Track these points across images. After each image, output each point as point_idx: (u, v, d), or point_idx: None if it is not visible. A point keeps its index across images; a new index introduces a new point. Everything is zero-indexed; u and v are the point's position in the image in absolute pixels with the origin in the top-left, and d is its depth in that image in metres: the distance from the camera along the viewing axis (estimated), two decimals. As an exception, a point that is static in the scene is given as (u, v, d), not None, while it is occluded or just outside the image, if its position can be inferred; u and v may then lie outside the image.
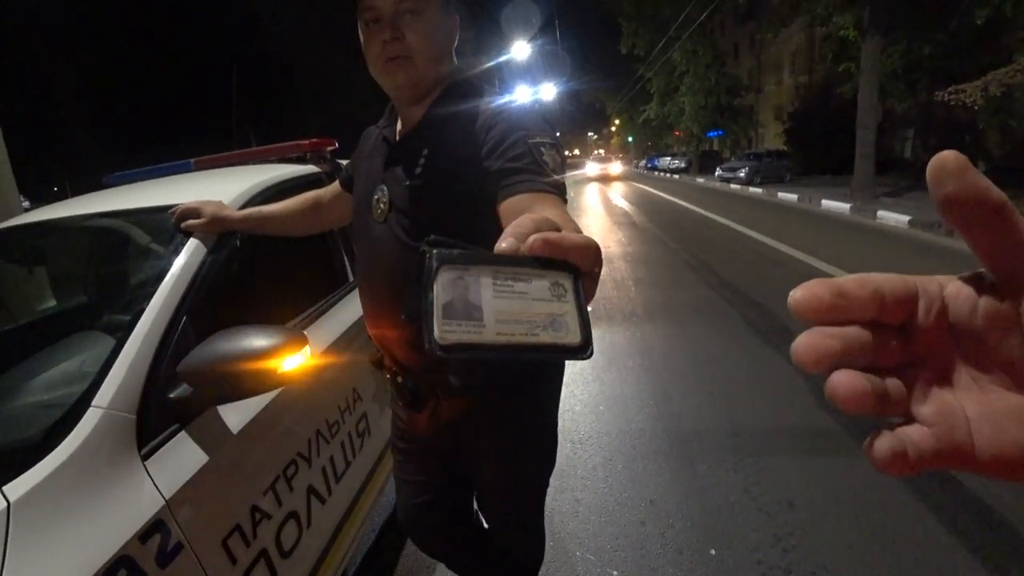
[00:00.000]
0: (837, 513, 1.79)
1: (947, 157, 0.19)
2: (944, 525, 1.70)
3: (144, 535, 0.73)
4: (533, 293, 0.24)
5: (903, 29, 9.41)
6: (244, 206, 1.25)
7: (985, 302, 0.21)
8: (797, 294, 0.22)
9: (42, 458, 0.71)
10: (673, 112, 24.53)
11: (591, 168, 29.02)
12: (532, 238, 0.26)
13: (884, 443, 0.22)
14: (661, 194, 15.62)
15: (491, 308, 0.23)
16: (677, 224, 9.07)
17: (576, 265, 0.25)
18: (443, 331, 0.22)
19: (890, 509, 1.79)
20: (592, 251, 0.30)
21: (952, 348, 0.23)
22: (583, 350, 0.24)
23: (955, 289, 0.22)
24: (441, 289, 0.23)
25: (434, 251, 0.24)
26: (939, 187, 0.20)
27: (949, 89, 7.07)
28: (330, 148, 1.89)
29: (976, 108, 7.22)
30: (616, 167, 29.05)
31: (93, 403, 0.77)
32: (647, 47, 23.98)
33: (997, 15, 7.57)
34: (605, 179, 25.62)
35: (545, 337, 0.23)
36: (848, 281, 0.23)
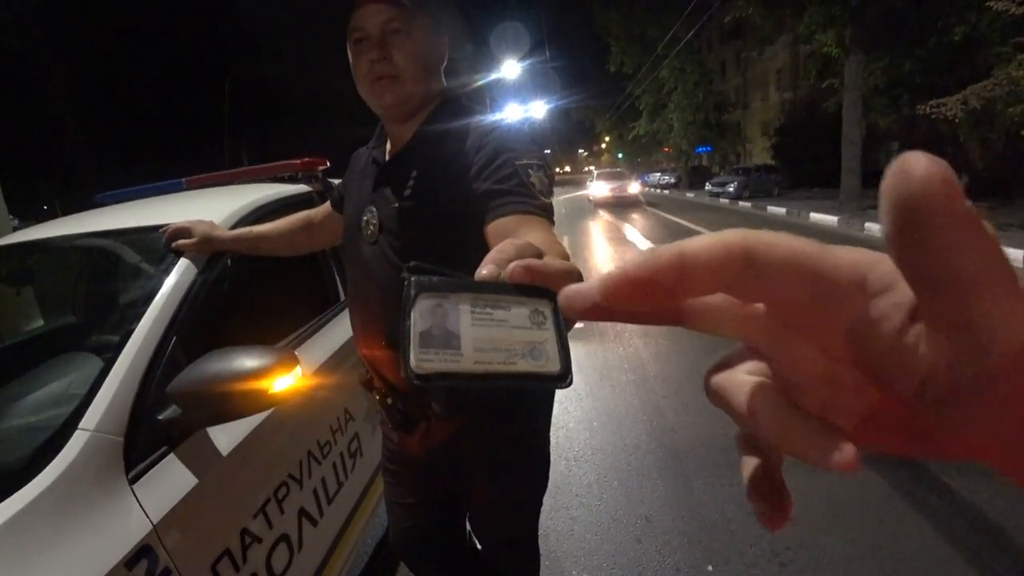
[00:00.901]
0: (834, 527, 1.78)
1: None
2: (941, 535, 1.70)
3: (131, 561, 0.72)
4: (512, 321, 0.24)
5: (884, 46, 9.66)
6: (235, 226, 1.25)
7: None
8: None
9: (27, 482, 0.69)
10: (662, 128, 24.90)
11: (597, 189, 18.12)
12: (512, 265, 0.26)
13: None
14: (660, 212, 15.66)
15: (469, 336, 0.23)
16: (670, 239, 9.14)
17: (555, 293, 0.26)
18: (420, 360, 0.22)
19: (886, 522, 1.79)
20: (574, 277, 0.30)
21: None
22: (562, 379, 0.24)
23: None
24: (419, 317, 0.23)
25: (412, 278, 0.24)
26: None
27: (930, 103, 7.24)
28: (321, 167, 1.90)
29: (956, 121, 7.38)
30: (635, 187, 18.75)
31: (80, 425, 0.76)
32: (635, 65, 24.41)
33: (974, 32, 7.79)
34: (617, 206, 17.11)
35: (524, 365, 0.23)
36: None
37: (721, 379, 0.20)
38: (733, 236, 0.17)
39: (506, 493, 1.07)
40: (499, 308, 0.24)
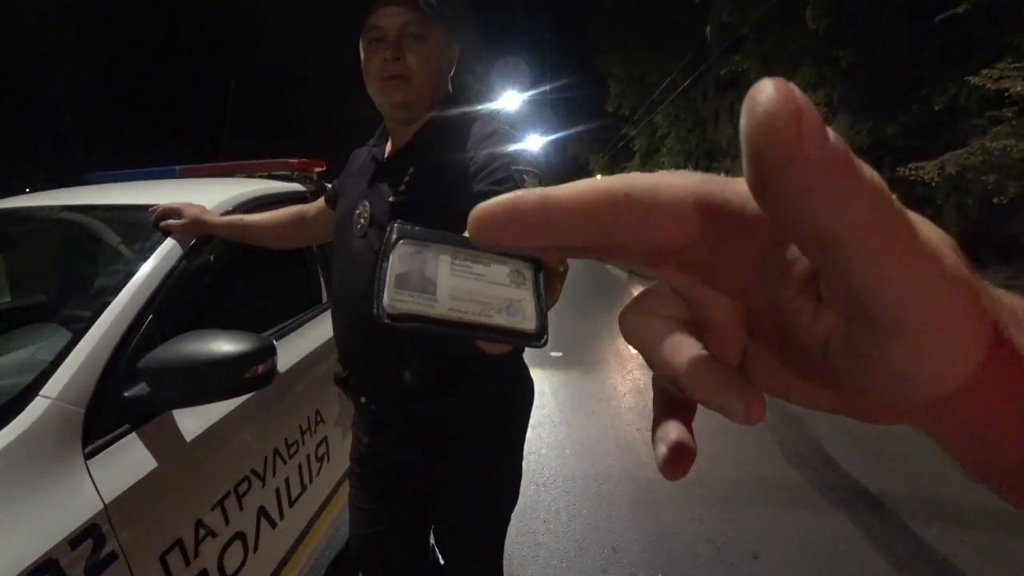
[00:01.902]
0: (801, 566, 1.77)
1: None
2: (904, 584, 1.69)
3: (75, 540, 0.68)
4: (491, 277, 0.24)
5: (870, 108, 10.10)
6: (226, 214, 1.24)
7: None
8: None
9: (-23, 447, 0.66)
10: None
11: None
12: None
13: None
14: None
15: (446, 284, 0.23)
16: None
17: (539, 259, 0.25)
18: (393, 299, 0.22)
19: (853, 563, 1.78)
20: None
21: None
22: (537, 337, 0.24)
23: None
24: (397, 260, 0.23)
25: (396, 224, 0.24)
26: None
27: (909, 165, 7.54)
28: (318, 169, 1.90)
29: (934, 185, 7.68)
30: None
31: (41, 392, 0.73)
32: (632, 107, 25.09)
33: (954, 103, 8.19)
34: None
35: (499, 320, 0.23)
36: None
37: (636, 321, 0.19)
38: (610, 181, 0.16)
39: (477, 504, 1.05)
40: (479, 263, 0.24)
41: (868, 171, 0.11)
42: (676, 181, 0.16)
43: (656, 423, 0.20)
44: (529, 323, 0.24)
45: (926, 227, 0.13)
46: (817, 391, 0.17)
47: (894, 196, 0.12)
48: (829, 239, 0.11)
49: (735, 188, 0.15)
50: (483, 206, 0.17)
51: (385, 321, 0.22)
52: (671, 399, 0.20)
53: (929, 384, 0.13)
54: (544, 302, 0.25)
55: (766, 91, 0.11)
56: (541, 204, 0.16)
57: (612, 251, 0.17)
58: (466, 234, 0.20)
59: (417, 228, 0.25)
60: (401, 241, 0.24)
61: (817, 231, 0.11)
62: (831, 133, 0.11)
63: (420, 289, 0.23)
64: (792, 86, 0.11)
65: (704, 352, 0.17)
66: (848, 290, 0.12)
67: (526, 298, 0.24)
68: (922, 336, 0.12)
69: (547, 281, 0.26)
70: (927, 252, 0.12)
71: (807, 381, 0.17)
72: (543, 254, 0.21)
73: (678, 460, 0.18)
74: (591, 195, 0.16)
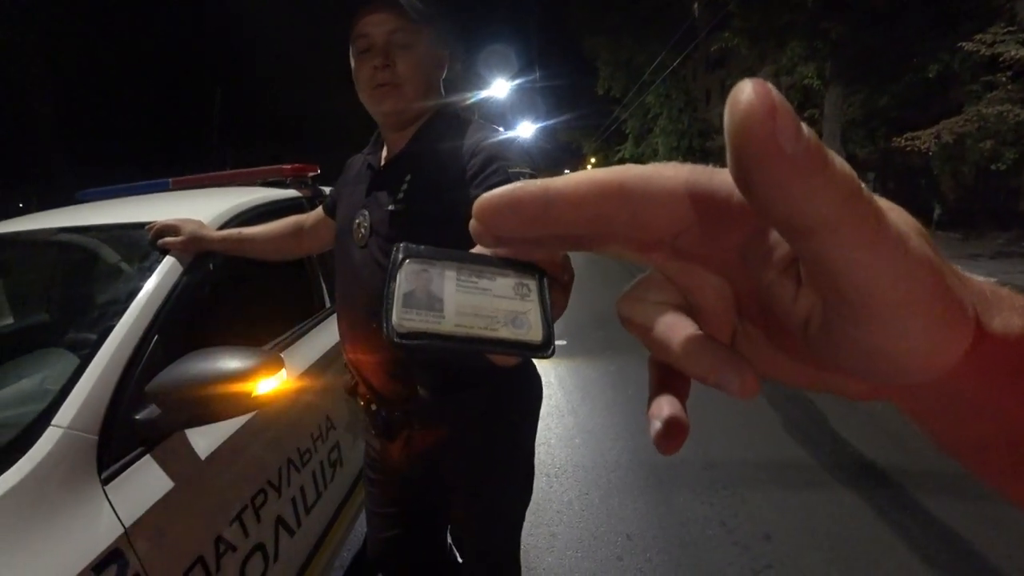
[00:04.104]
0: (813, 545, 1.79)
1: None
2: (916, 555, 1.71)
3: (99, 565, 0.69)
4: (496, 290, 0.24)
5: (862, 80, 10.03)
6: (222, 227, 1.23)
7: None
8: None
9: (-6, 480, 0.67)
10: (647, 153, 25.36)
11: None
12: None
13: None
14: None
15: (452, 301, 0.23)
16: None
17: (542, 269, 0.26)
18: (401, 318, 0.22)
19: (864, 541, 1.80)
20: (560, 257, 0.30)
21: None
22: (544, 348, 0.24)
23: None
24: (404, 279, 0.24)
25: (401, 244, 0.25)
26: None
27: (905, 135, 7.52)
28: (311, 173, 1.89)
29: (930, 154, 7.66)
30: None
31: (53, 422, 0.73)
32: (622, 90, 24.93)
33: (947, 71, 8.14)
34: None
35: (505, 333, 0.23)
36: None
37: (633, 308, 0.21)
38: (605, 173, 0.17)
39: (490, 505, 1.06)
40: (484, 278, 0.25)
41: (839, 163, 0.12)
42: (667, 172, 0.16)
43: (651, 400, 0.21)
44: (535, 334, 0.24)
45: (895, 213, 0.13)
46: (801, 370, 0.18)
47: (863, 185, 0.12)
48: (803, 227, 0.12)
49: (722, 178, 0.16)
50: (485, 197, 0.18)
51: (395, 340, 0.22)
52: (666, 377, 0.21)
53: (897, 361, 0.13)
54: (550, 312, 0.25)
55: (745, 91, 0.12)
56: (541, 195, 0.17)
57: (606, 240, 0.18)
58: (472, 222, 0.21)
59: (423, 247, 0.25)
60: (407, 260, 0.24)
61: (792, 220, 0.12)
62: (805, 129, 0.12)
63: (427, 307, 0.23)
64: (769, 86, 0.12)
65: (699, 331, 0.18)
66: (822, 273, 0.13)
67: (531, 309, 0.25)
68: (890, 315, 0.13)
69: (552, 291, 0.26)
70: (893, 237, 0.12)
71: (792, 360, 0.18)
72: (543, 250, 0.22)
73: (671, 435, 0.19)
74: (587, 186, 0.16)
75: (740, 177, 0.13)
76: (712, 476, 2.24)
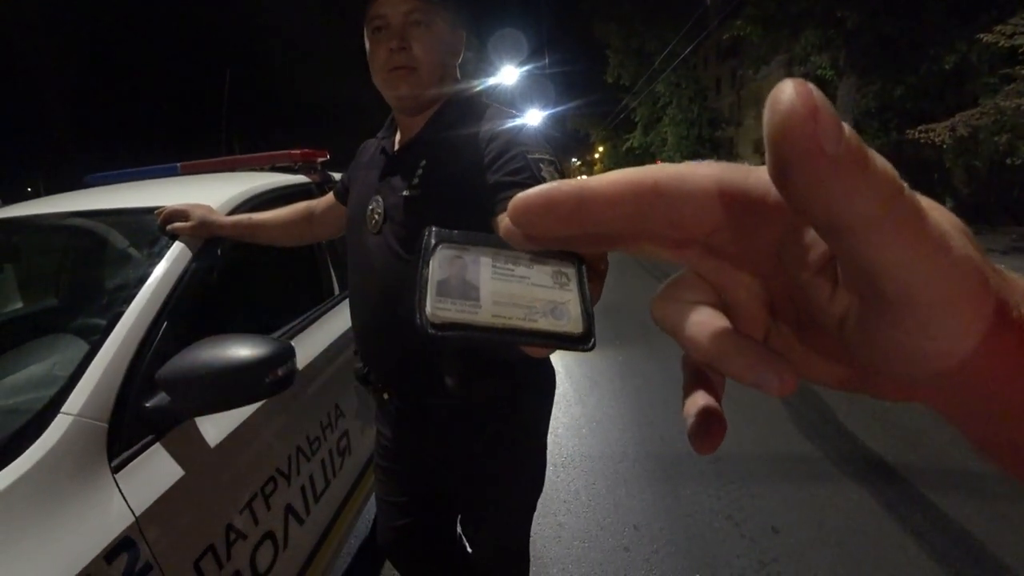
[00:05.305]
0: (820, 539, 1.78)
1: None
2: (924, 551, 1.70)
3: (110, 554, 0.68)
4: (534, 279, 0.23)
5: (877, 71, 9.85)
6: (232, 213, 1.21)
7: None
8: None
9: (3, 467, 0.66)
10: (656, 141, 25.13)
11: None
12: None
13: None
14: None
15: (488, 289, 0.22)
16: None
17: (581, 256, 0.24)
18: (436, 308, 0.21)
19: (872, 537, 1.79)
20: None
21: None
22: (584, 340, 0.23)
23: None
24: (437, 266, 0.22)
25: (433, 228, 0.24)
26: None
27: (919, 127, 7.38)
28: (321, 159, 1.87)
29: (944, 147, 7.54)
30: None
31: (63, 409, 0.72)
32: (632, 78, 24.64)
33: (963, 62, 7.98)
34: None
35: (544, 324, 0.22)
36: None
37: (666, 308, 0.20)
38: (639, 172, 0.17)
39: (501, 494, 1.05)
40: (521, 265, 0.23)
41: (881, 162, 0.12)
42: (701, 170, 0.17)
43: (685, 398, 0.20)
44: (576, 325, 0.23)
45: (937, 212, 0.13)
46: (833, 369, 0.18)
47: (905, 184, 0.12)
48: (842, 226, 0.12)
49: (757, 176, 0.16)
50: (520, 197, 0.17)
51: (429, 332, 0.21)
52: (699, 377, 0.21)
53: (935, 359, 0.13)
54: (589, 302, 0.24)
55: (787, 91, 0.12)
56: (576, 194, 0.17)
57: (639, 239, 0.19)
58: (504, 217, 0.19)
59: (455, 232, 0.24)
60: (440, 246, 0.23)
61: (831, 219, 0.12)
62: (847, 129, 0.12)
63: (462, 296, 0.22)
64: (811, 86, 0.12)
65: (733, 329, 0.18)
66: (861, 272, 0.13)
67: (571, 299, 0.23)
68: (929, 314, 0.13)
69: (589, 280, 0.25)
70: (935, 236, 0.12)
71: (825, 359, 0.18)
72: (576, 246, 0.21)
73: (708, 430, 0.19)
74: (622, 185, 0.17)
75: (779, 176, 0.13)
76: (719, 469, 2.23)
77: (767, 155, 0.13)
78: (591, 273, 0.25)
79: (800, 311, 0.17)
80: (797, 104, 0.12)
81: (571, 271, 0.24)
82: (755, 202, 0.16)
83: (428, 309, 0.21)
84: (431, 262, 0.22)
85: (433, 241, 0.23)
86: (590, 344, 0.23)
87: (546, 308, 0.22)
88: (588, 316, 0.23)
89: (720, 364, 0.17)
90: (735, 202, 0.16)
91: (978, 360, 0.13)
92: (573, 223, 0.17)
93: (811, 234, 0.16)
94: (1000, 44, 6.21)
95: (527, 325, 0.22)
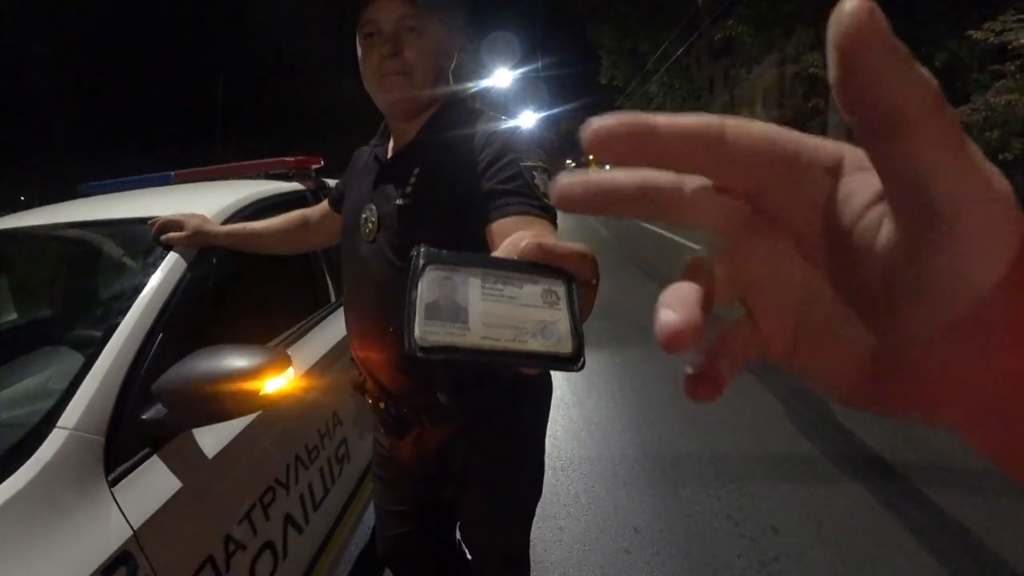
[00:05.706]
0: (820, 538, 1.79)
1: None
2: (924, 548, 1.71)
3: (109, 568, 0.68)
4: (524, 299, 0.23)
5: (868, 69, 9.92)
6: (226, 221, 1.21)
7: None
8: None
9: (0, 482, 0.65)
10: (650, 142, 25.17)
11: None
12: (526, 241, 0.26)
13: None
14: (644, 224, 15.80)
15: (478, 311, 0.22)
16: (658, 253, 9.20)
17: (571, 273, 0.24)
18: (425, 331, 0.21)
19: (872, 535, 1.79)
20: (589, 259, 0.29)
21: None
22: (574, 360, 0.23)
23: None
24: (426, 288, 0.22)
25: (422, 249, 0.23)
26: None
27: (911, 125, 7.43)
28: (315, 166, 1.87)
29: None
30: None
31: (58, 423, 0.72)
32: (626, 79, 24.72)
33: (954, 60, 8.04)
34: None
35: (534, 344, 0.22)
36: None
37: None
38: (710, 118, 0.18)
39: (499, 501, 1.05)
40: (510, 285, 0.23)
41: (926, 70, 0.13)
42: (756, 129, 0.18)
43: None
44: (565, 345, 0.23)
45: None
46: (858, 384, 0.19)
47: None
48: (897, 116, 0.13)
49: (807, 141, 0.17)
50: (597, 121, 0.18)
51: (418, 355, 0.21)
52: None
53: (971, 286, 0.14)
54: (579, 320, 0.24)
55: (849, 2, 0.13)
56: (651, 125, 0.18)
57: (697, 201, 0.19)
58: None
59: (444, 252, 0.23)
60: (429, 267, 0.23)
61: (893, 109, 0.13)
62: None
63: (452, 318, 0.22)
64: (871, 2, 0.13)
65: (694, 285, 0.19)
66: (914, 176, 0.13)
67: (561, 318, 0.23)
68: (972, 222, 0.13)
69: (580, 295, 0.25)
70: (975, 151, 0.13)
71: (848, 355, 0.18)
72: (632, 208, 0.21)
73: (707, 390, 0.20)
74: (693, 125, 0.18)
75: (845, 75, 0.13)
76: (718, 469, 2.23)
77: (831, 60, 0.13)
78: (583, 288, 0.25)
79: (843, 263, 0.18)
80: (858, 7, 0.13)
81: (561, 289, 0.24)
82: (804, 161, 0.17)
83: (417, 333, 0.21)
84: (420, 284, 0.22)
85: (422, 262, 0.23)
86: (579, 364, 0.23)
87: (536, 328, 0.22)
88: (578, 335, 0.23)
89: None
90: (784, 161, 0.17)
91: (998, 299, 0.14)
92: (641, 152, 0.18)
93: (849, 183, 0.17)
94: (989, 41, 6.26)
95: (516, 346, 0.22)
